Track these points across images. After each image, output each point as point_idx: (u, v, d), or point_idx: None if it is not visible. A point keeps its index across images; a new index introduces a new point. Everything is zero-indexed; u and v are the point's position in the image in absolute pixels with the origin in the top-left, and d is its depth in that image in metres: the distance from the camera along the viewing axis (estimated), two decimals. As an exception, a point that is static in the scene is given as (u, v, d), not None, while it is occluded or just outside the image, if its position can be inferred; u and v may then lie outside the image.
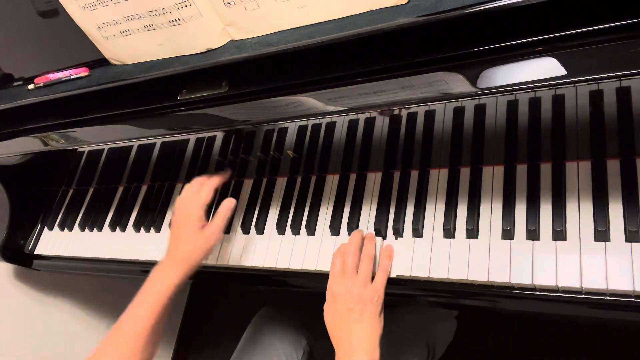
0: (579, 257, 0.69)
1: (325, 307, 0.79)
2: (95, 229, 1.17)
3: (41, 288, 1.34)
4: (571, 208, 0.73)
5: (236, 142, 1.07)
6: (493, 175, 0.81)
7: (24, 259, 1.24)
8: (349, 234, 0.87)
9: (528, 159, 0.79)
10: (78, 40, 0.81)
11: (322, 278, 0.88)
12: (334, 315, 0.77)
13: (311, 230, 0.91)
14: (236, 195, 1.03)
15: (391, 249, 0.81)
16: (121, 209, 1.15)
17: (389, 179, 0.89)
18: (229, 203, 0.87)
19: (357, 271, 0.78)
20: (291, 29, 0.68)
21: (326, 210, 0.92)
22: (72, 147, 1.12)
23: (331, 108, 0.70)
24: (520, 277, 0.71)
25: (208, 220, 0.87)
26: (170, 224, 0.88)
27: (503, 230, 0.75)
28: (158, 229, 1.08)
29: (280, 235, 0.94)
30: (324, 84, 0.68)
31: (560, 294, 0.70)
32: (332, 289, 0.78)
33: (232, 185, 1.04)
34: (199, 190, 0.87)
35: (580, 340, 1.32)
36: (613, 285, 0.66)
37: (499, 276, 0.73)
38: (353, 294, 0.75)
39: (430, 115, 0.89)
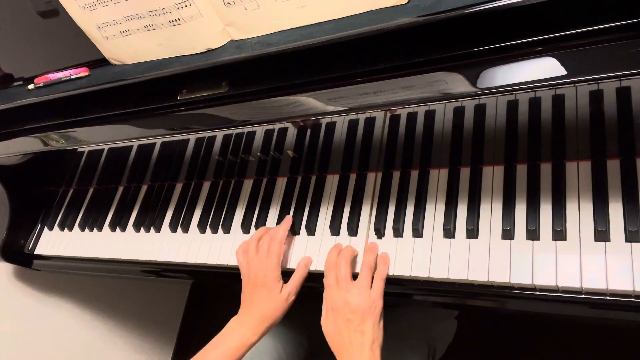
0: (579, 257, 0.69)
1: (323, 319, 0.78)
2: (95, 229, 1.17)
3: (41, 288, 1.34)
4: (571, 208, 0.73)
5: (237, 142, 1.07)
6: (493, 175, 0.81)
7: (24, 259, 1.24)
8: (349, 234, 0.87)
9: (528, 159, 0.79)
10: (78, 40, 0.81)
11: (322, 278, 0.88)
12: (333, 327, 0.76)
13: (311, 231, 0.91)
14: (236, 195, 1.03)
15: (387, 256, 0.81)
16: (121, 209, 1.15)
17: (388, 179, 0.89)
18: (306, 261, 0.88)
19: (352, 279, 0.78)
20: (291, 29, 0.68)
21: (326, 210, 0.92)
22: (72, 147, 1.12)
23: (331, 108, 0.70)
24: (520, 277, 0.71)
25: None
26: (244, 283, 0.88)
27: (503, 230, 0.75)
28: (158, 229, 1.08)
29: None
30: (324, 84, 0.68)
31: (560, 294, 0.70)
32: (329, 300, 0.78)
33: (233, 185, 1.04)
34: (268, 248, 0.86)
35: (580, 340, 1.32)
36: (613, 285, 0.66)
37: (499, 276, 0.73)
38: (351, 304, 0.75)
39: (430, 115, 0.89)
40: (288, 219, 0.91)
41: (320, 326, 0.79)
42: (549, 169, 0.77)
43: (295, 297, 0.86)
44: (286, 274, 0.91)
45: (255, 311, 0.84)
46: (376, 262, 0.81)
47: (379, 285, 0.77)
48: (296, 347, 1.05)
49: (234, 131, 1.07)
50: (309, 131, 1.00)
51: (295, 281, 0.86)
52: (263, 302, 0.84)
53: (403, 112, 0.92)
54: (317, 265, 0.87)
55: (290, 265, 0.90)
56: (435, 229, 0.81)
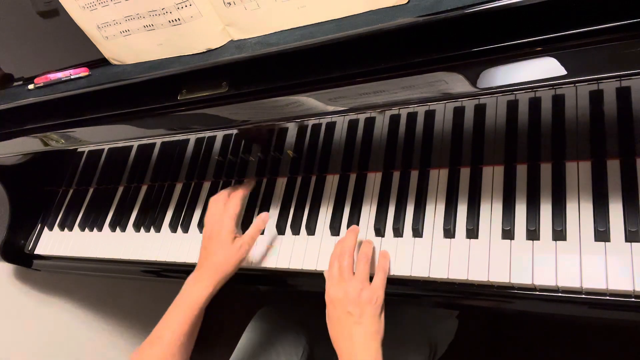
0: (579, 257, 0.69)
1: (327, 315, 0.78)
2: (95, 229, 1.17)
3: (41, 288, 1.34)
4: (571, 208, 0.73)
5: (237, 142, 1.07)
6: (493, 175, 0.81)
7: (24, 259, 1.24)
8: (349, 234, 0.87)
9: (528, 159, 0.79)
10: (78, 40, 0.81)
11: (322, 278, 0.88)
12: (333, 320, 0.76)
13: (311, 231, 0.91)
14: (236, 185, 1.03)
15: (387, 253, 0.81)
16: (121, 209, 1.15)
17: (389, 179, 0.89)
18: (264, 216, 0.90)
19: (354, 273, 0.78)
20: (291, 29, 0.68)
21: (326, 210, 0.92)
22: (72, 147, 1.12)
23: (331, 108, 0.69)
24: (520, 277, 0.71)
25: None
26: (203, 234, 0.90)
27: (503, 230, 0.75)
28: (158, 229, 1.08)
29: (280, 235, 0.94)
30: (324, 84, 0.68)
31: (560, 294, 0.70)
32: (330, 293, 0.77)
33: (233, 185, 1.04)
34: (226, 202, 0.89)
35: (580, 339, 1.32)
36: (613, 285, 0.66)
37: (499, 276, 0.73)
38: (351, 296, 0.74)
39: (430, 115, 0.89)
40: (252, 179, 0.97)
41: (319, 326, 0.79)
42: (549, 169, 0.77)
43: (248, 248, 0.87)
44: (286, 275, 0.91)
45: (207, 263, 0.85)
46: (374, 255, 0.81)
47: (380, 277, 0.77)
48: (295, 347, 1.05)
49: (234, 131, 1.07)
50: (309, 131, 1.00)
51: (250, 232, 0.87)
52: (215, 253, 0.85)
53: (403, 112, 0.92)
54: (316, 266, 0.87)
55: (292, 265, 0.90)
56: (435, 229, 0.81)
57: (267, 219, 0.90)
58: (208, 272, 0.84)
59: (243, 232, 0.89)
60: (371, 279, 0.78)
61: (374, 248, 0.82)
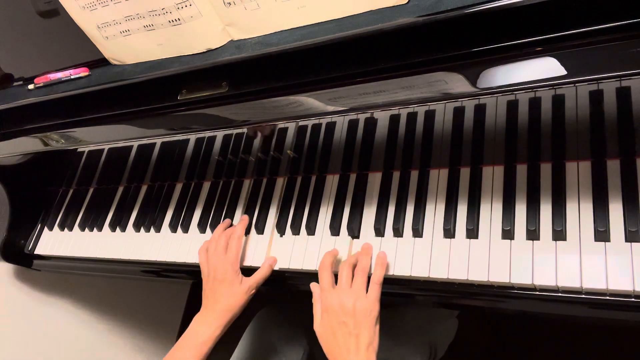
0: (579, 257, 0.69)
1: (316, 323, 0.78)
2: (95, 229, 1.17)
3: (41, 288, 1.34)
4: (571, 208, 0.73)
5: (238, 142, 1.07)
6: (493, 175, 0.81)
7: (24, 259, 1.24)
8: (349, 234, 0.87)
9: (528, 159, 0.79)
10: (78, 40, 0.81)
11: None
12: (326, 329, 0.76)
13: (311, 231, 0.91)
14: (236, 195, 1.03)
15: (384, 257, 0.80)
16: (121, 209, 1.15)
17: (389, 179, 0.89)
18: (271, 262, 0.90)
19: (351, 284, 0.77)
20: (291, 29, 0.68)
21: (326, 210, 0.92)
22: (72, 147, 1.12)
23: (331, 108, 0.70)
24: (520, 277, 0.71)
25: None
26: (204, 278, 0.90)
27: (503, 230, 0.75)
28: (158, 229, 1.08)
29: (280, 236, 0.94)
30: (324, 84, 0.68)
31: (560, 294, 0.70)
32: (325, 302, 0.77)
33: (232, 185, 1.04)
34: (226, 246, 0.90)
35: (580, 339, 1.32)
36: (613, 285, 0.66)
37: (499, 276, 0.73)
38: (346, 307, 0.74)
39: (430, 115, 0.89)
40: (245, 218, 0.95)
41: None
42: (549, 169, 0.77)
43: (255, 291, 0.88)
44: (286, 274, 0.91)
45: (217, 306, 0.85)
46: (371, 264, 0.81)
47: (375, 290, 0.76)
48: (295, 348, 1.05)
49: (234, 131, 1.07)
50: (309, 131, 1.00)
51: (258, 276, 0.88)
52: (224, 296, 0.85)
53: (403, 112, 0.92)
54: (316, 266, 0.87)
55: (292, 265, 0.90)
56: (435, 229, 0.81)
57: (274, 265, 0.90)
58: (216, 314, 0.85)
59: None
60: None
61: (371, 257, 0.82)
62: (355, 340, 0.72)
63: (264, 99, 0.73)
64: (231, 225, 0.97)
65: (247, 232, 0.98)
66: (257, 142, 1.04)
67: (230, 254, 0.88)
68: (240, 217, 0.98)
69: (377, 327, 0.75)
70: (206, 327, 0.84)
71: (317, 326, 0.78)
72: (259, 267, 0.90)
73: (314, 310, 0.79)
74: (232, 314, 0.85)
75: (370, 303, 0.75)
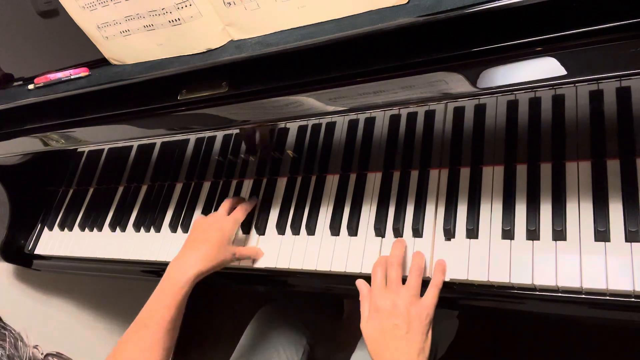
0: (579, 257, 0.69)
1: (364, 321, 0.75)
2: (95, 229, 1.17)
3: (41, 288, 1.34)
4: (571, 208, 0.73)
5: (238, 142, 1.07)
6: (493, 175, 0.81)
7: (24, 259, 1.24)
8: (349, 234, 0.87)
9: (528, 159, 0.79)
10: (78, 40, 0.81)
11: (321, 278, 0.88)
12: (376, 330, 0.72)
13: (311, 231, 0.91)
14: (236, 195, 1.03)
15: (444, 263, 0.76)
16: (121, 209, 1.15)
17: (389, 179, 0.89)
18: (258, 251, 0.93)
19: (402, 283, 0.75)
20: (291, 29, 0.68)
21: (326, 210, 0.92)
22: (72, 147, 1.12)
23: (331, 108, 0.70)
24: (520, 277, 0.71)
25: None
26: (193, 226, 0.92)
27: (503, 230, 0.75)
28: (158, 229, 1.08)
29: (280, 235, 0.94)
30: (324, 84, 0.68)
31: (560, 294, 0.70)
32: (376, 302, 0.74)
33: (233, 185, 1.04)
34: (228, 209, 0.93)
35: (580, 340, 1.32)
36: (613, 285, 0.66)
37: (499, 276, 0.73)
38: (400, 309, 0.71)
39: (430, 115, 0.89)
40: (254, 199, 0.98)
41: (319, 326, 0.79)
42: (549, 169, 0.77)
43: (236, 258, 0.89)
44: (286, 274, 0.91)
45: (200, 250, 0.84)
46: (425, 266, 0.78)
47: (433, 293, 0.73)
48: (295, 347, 1.05)
49: (234, 131, 1.07)
50: (309, 131, 1.00)
51: (245, 250, 0.91)
52: (212, 244, 0.85)
53: (403, 112, 0.92)
54: (316, 266, 0.87)
55: (292, 265, 0.90)
56: (436, 229, 0.81)
57: (259, 257, 0.92)
58: (198, 257, 0.83)
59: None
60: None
61: (425, 260, 0.79)
62: (407, 344, 0.69)
63: (264, 99, 0.73)
64: None
65: (248, 231, 0.98)
66: (257, 142, 1.04)
67: (235, 216, 0.90)
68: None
69: (430, 333, 0.72)
70: (183, 270, 0.82)
71: (365, 325, 0.74)
72: (259, 268, 0.90)
73: (361, 308, 0.77)
74: (211, 264, 0.84)
75: (425, 307, 0.72)
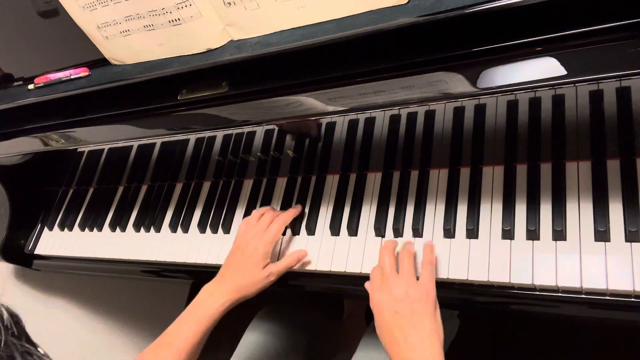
0: (579, 257, 0.69)
1: (376, 326, 0.72)
2: (95, 229, 1.17)
3: (41, 288, 1.34)
4: (571, 208, 0.73)
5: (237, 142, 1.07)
6: (493, 175, 0.81)
7: (24, 259, 1.24)
8: (349, 234, 0.87)
9: (528, 159, 0.79)
10: (78, 40, 0.81)
11: (321, 278, 0.88)
12: (383, 327, 0.69)
13: (311, 231, 0.91)
14: (236, 195, 1.03)
15: (433, 245, 0.76)
16: (121, 209, 1.15)
17: (389, 179, 0.89)
18: (299, 254, 0.87)
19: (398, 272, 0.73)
20: (291, 29, 0.68)
21: (326, 210, 0.92)
22: (72, 147, 1.12)
23: (331, 108, 0.70)
24: (521, 277, 0.71)
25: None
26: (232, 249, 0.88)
27: (503, 230, 0.75)
28: (158, 229, 1.08)
29: (280, 236, 0.94)
30: (324, 84, 0.68)
31: (560, 294, 0.70)
32: (375, 300, 0.72)
33: (233, 185, 1.04)
34: (268, 224, 0.86)
35: (580, 339, 1.32)
36: (613, 285, 0.66)
37: (499, 276, 0.73)
38: (397, 295, 0.69)
39: (430, 115, 0.89)
40: (298, 207, 0.91)
41: (319, 326, 0.79)
42: (549, 169, 0.77)
43: (275, 280, 0.84)
44: (286, 274, 0.91)
45: (231, 279, 0.83)
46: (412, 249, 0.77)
47: (428, 270, 0.71)
48: (295, 347, 1.05)
49: (234, 131, 1.07)
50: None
51: (282, 264, 0.85)
52: (242, 273, 0.83)
53: (403, 112, 0.92)
54: (316, 266, 0.87)
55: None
56: (435, 229, 0.81)
57: (303, 258, 0.87)
58: (230, 288, 0.82)
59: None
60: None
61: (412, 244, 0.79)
62: (416, 331, 0.65)
63: (264, 99, 0.73)
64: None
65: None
66: (258, 142, 1.05)
67: (268, 235, 0.84)
68: (294, 206, 0.93)
69: (438, 313, 0.69)
70: (214, 299, 0.81)
71: (376, 327, 0.72)
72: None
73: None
74: (244, 294, 0.82)
75: (424, 286, 0.69)
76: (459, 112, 0.86)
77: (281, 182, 1.00)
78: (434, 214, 0.82)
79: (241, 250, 0.85)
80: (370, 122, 0.94)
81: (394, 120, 0.92)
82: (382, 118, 0.93)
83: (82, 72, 0.85)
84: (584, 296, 0.68)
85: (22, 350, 0.44)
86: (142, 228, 1.10)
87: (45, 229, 1.25)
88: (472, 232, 0.77)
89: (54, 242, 1.22)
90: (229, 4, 0.69)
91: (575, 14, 0.53)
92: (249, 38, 0.71)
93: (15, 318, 0.47)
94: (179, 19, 0.72)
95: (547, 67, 0.55)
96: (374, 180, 0.90)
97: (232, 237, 0.98)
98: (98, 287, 1.49)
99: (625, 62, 0.52)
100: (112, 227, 1.14)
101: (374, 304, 0.73)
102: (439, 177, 0.85)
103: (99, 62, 0.85)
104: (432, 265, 0.73)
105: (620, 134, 0.73)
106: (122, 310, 1.56)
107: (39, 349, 0.47)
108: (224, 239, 0.99)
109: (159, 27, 0.74)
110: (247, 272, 0.83)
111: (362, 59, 0.64)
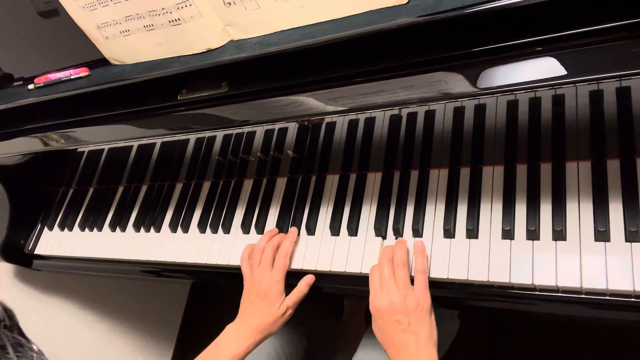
0: (579, 257, 0.69)
1: (373, 325, 0.76)
2: (95, 229, 1.17)
3: (41, 288, 1.34)
4: (571, 208, 0.73)
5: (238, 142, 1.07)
6: (493, 175, 0.81)
7: (24, 259, 1.24)
8: (349, 234, 0.87)
9: (528, 159, 0.79)
10: (78, 40, 0.81)
11: (321, 278, 0.88)
12: (383, 331, 0.74)
13: (311, 231, 0.91)
14: (236, 195, 1.03)
15: (423, 245, 0.78)
16: (121, 209, 1.15)
17: (389, 179, 0.89)
18: (307, 280, 0.87)
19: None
20: (291, 29, 0.68)
21: (326, 210, 0.92)
22: (72, 147, 1.12)
23: (331, 108, 0.70)
24: (520, 277, 0.71)
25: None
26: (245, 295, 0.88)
27: (503, 230, 0.75)
28: (158, 229, 1.08)
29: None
30: (324, 84, 0.68)
31: (560, 294, 0.70)
32: (375, 304, 0.75)
33: (232, 185, 1.04)
34: (271, 259, 0.87)
35: (580, 340, 1.32)
36: (613, 285, 0.66)
37: (499, 276, 0.73)
38: (396, 305, 0.72)
39: (430, 115, 0.89)
40: (294, 231, 0.91)
41: (319, 326, 0.79)
42: (549, 169, 0.77)
43: (292, 312, 0.86)
44: (287, 273, 0.91)
45: (252, 322, 0.84)
46: (408, 255, 0.79)
47: (421, 279, 0.75)
48: (295, 347, 1.05)
49: (234, 131, 1.07)
50: (309, 131, 1.00)
51: (295, 297, 0.86)
52: (262, 314, 0.84)
53: (403, 112, 0.92)
54: (317, 266, 0.87)
55: (292, 265, 0.90)
56: (435, 229, 0.81)
57: (312, 283, 0.87)
58: (253, 330, 0.83)
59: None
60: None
61: (408, 250, 0.80)
62: (413, 337, 0.71)
63: (264, 99, 0.73)
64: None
65: (248, 231, 0.98)
66: (258, 142, 1.05)
67: (277, 273, 0.85)
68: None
69: (433, 317, 0.74)
70: (239, 342, 0.82)
71: (374, 329, 0.76)
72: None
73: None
74: (266, 334, 0.84)
75: (419, 294, 0.73)
76: (459, 112, 0.86)
77: (281, 182, 1.00)
78: (434, 214, 0.82)
79: (255, 292, 0.86)
80: (370, 122, 0.94)
81: (394, 120, 0.92)
82: (382, 118, 0.93)
83: (82, 72, 0.85)
84: (584, 296, 0.68)
85: (14, 341, 0.45)
86: (142, 228, 1.10)
87: (45, 229, 1.25)
88: (472, 232, 0.77)
89: (54, 242, 1.22)
90: (229, 4, 0.68)
91: (575, 14, 0.53)
92: (249, 38, 0.71)
93: (9, 312, 0.48)
94: (179, 19, 0.72)
95: (547, 67, 0.55)
96: (374, 180, 0.90)
97: (232, 237, 0.98)
98: (98, 287, 1.49)
99: (625, 62, 0.52)
100: (112, 227, 1.14)
101: (373, 308, 0.75)
102: (439, 177, 0.85)
103: (99, 62, 0.85)
104: (425, 273, 0.76)
105: (620, 134, 0.73)
106: (122, 310, 1.56)
107: (33, 345, 0.48)
108: (224, 239, 0.99)
109: (159, 27, 0.74)
110: (266, 314, 0.84)
111: (362, 59, 0.64)
